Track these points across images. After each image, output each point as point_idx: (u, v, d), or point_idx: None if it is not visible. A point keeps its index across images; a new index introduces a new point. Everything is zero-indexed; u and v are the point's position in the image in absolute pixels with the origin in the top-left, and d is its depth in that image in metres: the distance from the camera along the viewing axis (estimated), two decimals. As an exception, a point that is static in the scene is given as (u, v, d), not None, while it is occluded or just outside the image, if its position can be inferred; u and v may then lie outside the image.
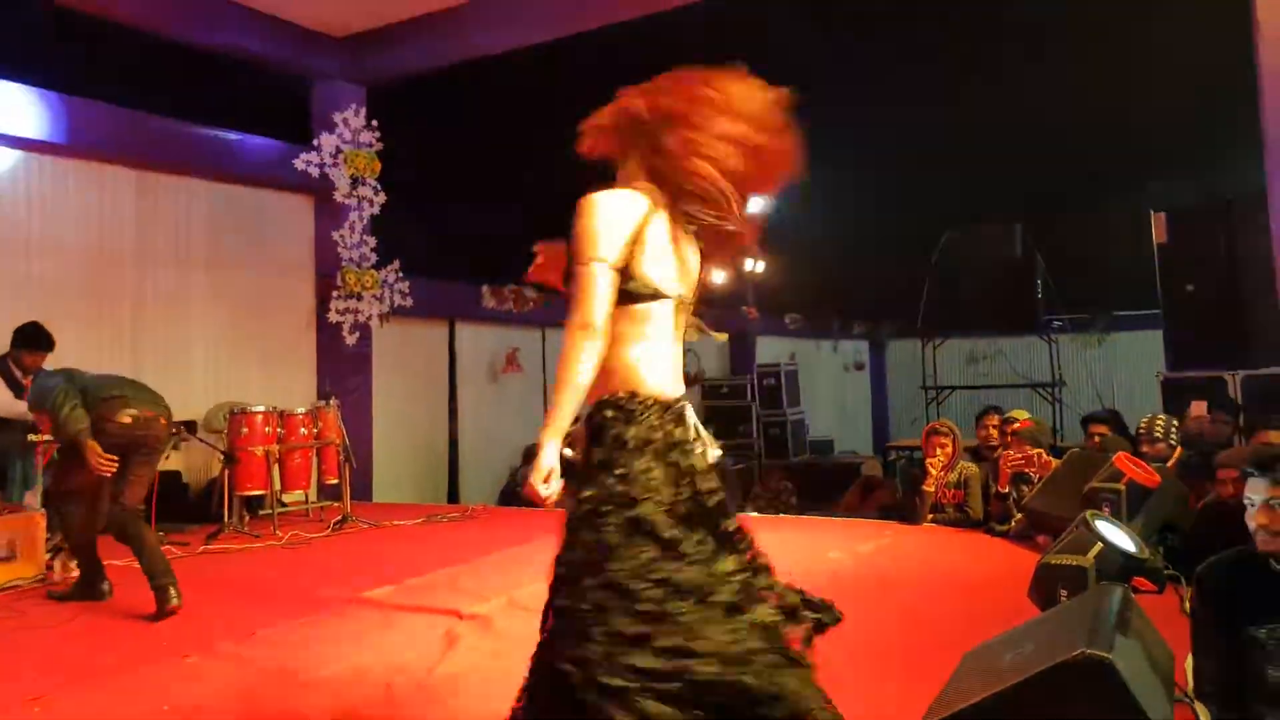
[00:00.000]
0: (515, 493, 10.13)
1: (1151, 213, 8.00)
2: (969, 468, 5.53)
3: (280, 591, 4.43)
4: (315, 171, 7.93)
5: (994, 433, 5.75)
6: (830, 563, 4.72)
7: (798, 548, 4.92)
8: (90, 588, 4.25)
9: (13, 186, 6.27)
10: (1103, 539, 3.21)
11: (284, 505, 6.54)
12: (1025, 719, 1.77)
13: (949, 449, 5.50)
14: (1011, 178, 12.15)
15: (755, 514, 7.37)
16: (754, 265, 15.56)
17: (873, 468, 11.15)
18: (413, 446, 9.51)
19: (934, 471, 5.54)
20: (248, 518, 6.10)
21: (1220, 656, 2.51)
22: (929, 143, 12.58)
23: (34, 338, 4.79)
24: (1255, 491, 2.45)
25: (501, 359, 10.81)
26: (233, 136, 7.69)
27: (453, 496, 9.94)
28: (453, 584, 4.43)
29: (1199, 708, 2.56)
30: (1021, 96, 11.11)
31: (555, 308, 11.40)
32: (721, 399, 13.69)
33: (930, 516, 5.50)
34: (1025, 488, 5.12)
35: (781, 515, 7.58)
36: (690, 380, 14.56)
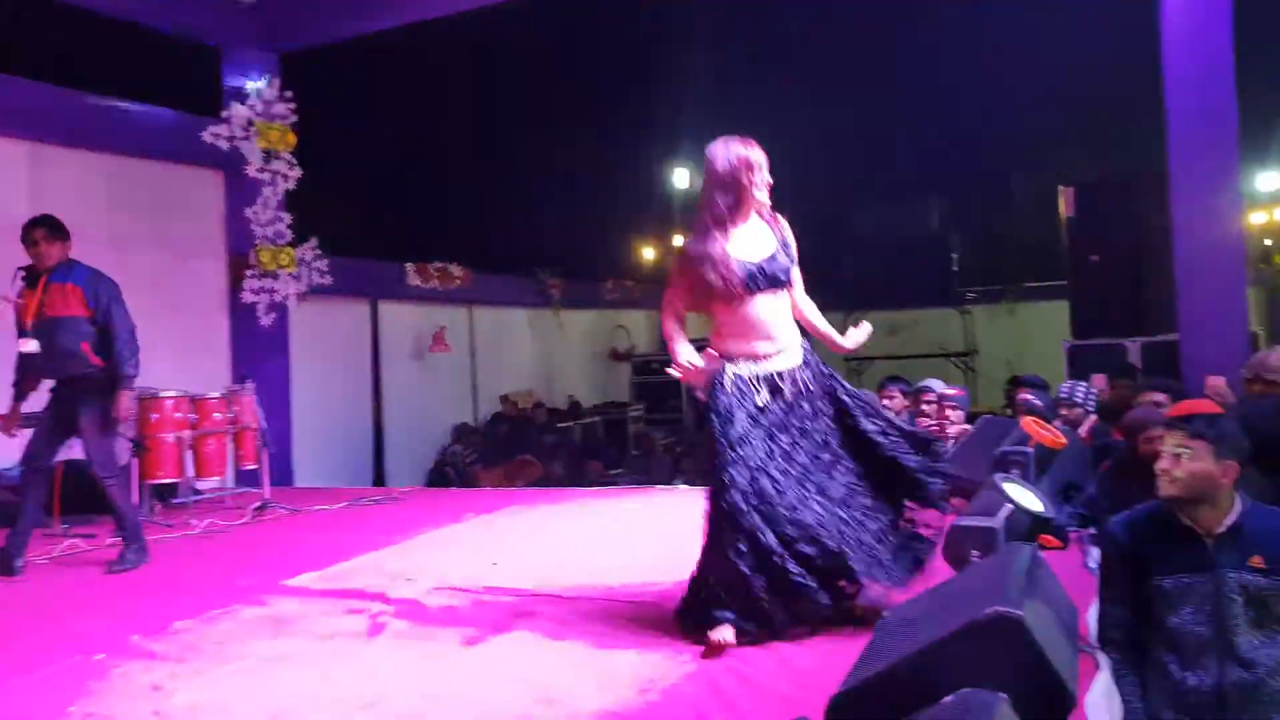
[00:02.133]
0: (444, 473, 10.05)
1: (1060, 187, 8.29)
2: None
3: (196, 583, 4.31)
4: (225, 145, 7.64)
5: (903, 403, 5.91)
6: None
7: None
8: None
9: None
10: (1011, 500, 3.34)
11: (199, 493, 6.35)
12: (940, 679, 1.83)
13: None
14: (926, 152, 12.43)
15: (685, 485, 7.44)
16: (681, 240, 15.63)
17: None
18: (335, 429, 9.34)
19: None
20: (159, 507, 5.90)
21: (1127, 605, 2.67)
22: (844, 117, 12.77)
23: None
24: (1168, 442, 2.63)
25: (428, 337, 10.65)
26: (133, 107, 7.35)
27: (379, 480, 9.79)
28: (378, 568, 4.37)
29: (1100, 656, 2.70)
30: (936, 72, 11.35)
31: (483, 284, 11.28)
32: (651, 375, 13.77)
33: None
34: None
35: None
36: (620, 356, 14.62)
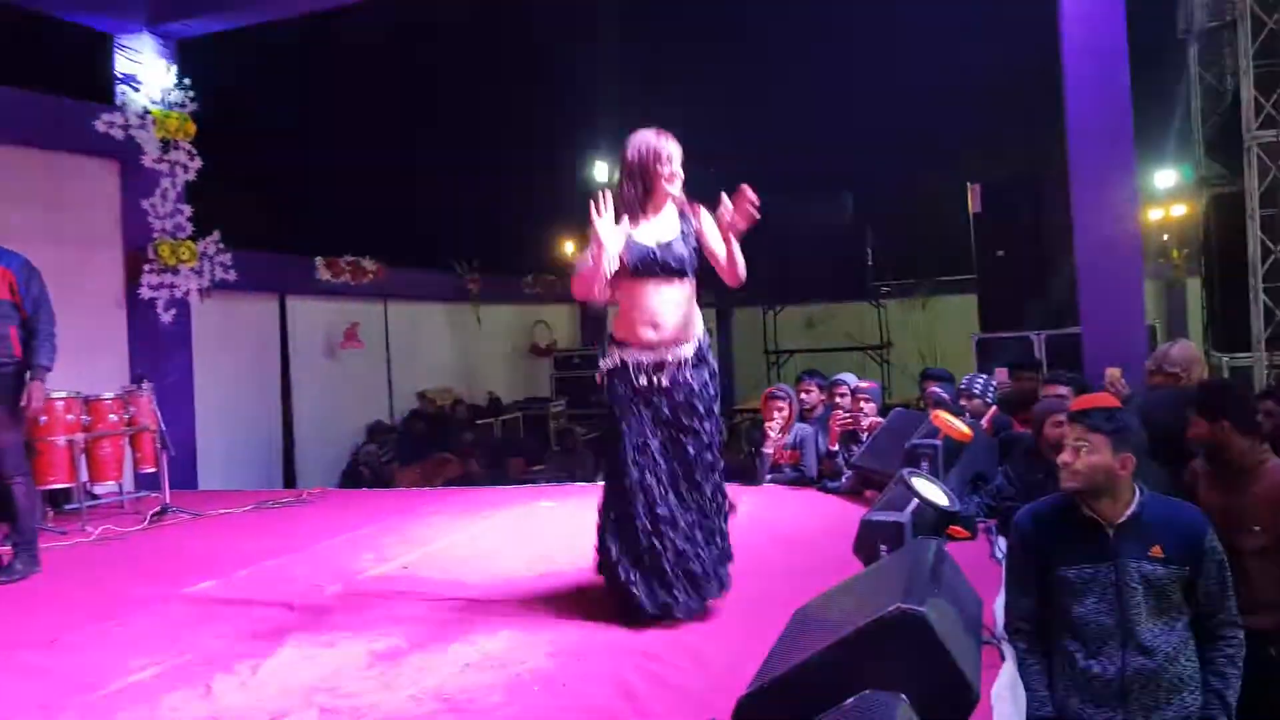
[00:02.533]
0: (359, 473, 9.80)
1: (968, 185, 8.52)
2: (804, 429, 5.74)
3: (89, 592, 4.09)
4: (119, 134, 7.28)
5: (819, 396, 5.99)
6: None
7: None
8: None
9: None
10: (918, 495, 3.40)
11: (95, 498, 6.04)
12: (846, 678, 1.83)
13: (785, 412, 5.68)
14: (840, 150, 12.64)
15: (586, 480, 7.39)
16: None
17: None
18: (242, 430, 9.02)
19: (772, 434, 5.72)
20: (51, 513, 5.59)
21: (1033, 595, 2.74)
22: (761, 114, 12.90)
23: None
24: (1069, 435, 2.71)
25: (339, 333, 10.37)
26: (19, 95, 6.94)
27: (289, 481, 9.50)
28: (284, 574, 4.21)
29: (1005, 648, 2.76)
30: (850, 72, 11.54)
31: (397, 278, 11.03)
32: (573, 369, 13.70)
33: (769, 477, 5.67)
34: (855, 446, 5.36)
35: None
36: (542, 351, 14.44)
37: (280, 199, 9.90)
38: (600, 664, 2.86)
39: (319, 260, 9.82)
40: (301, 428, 9.85)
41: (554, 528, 4.92)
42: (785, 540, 4.31)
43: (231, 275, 8.01)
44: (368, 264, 10.38)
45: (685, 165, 3.36)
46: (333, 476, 10.02)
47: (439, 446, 10.11)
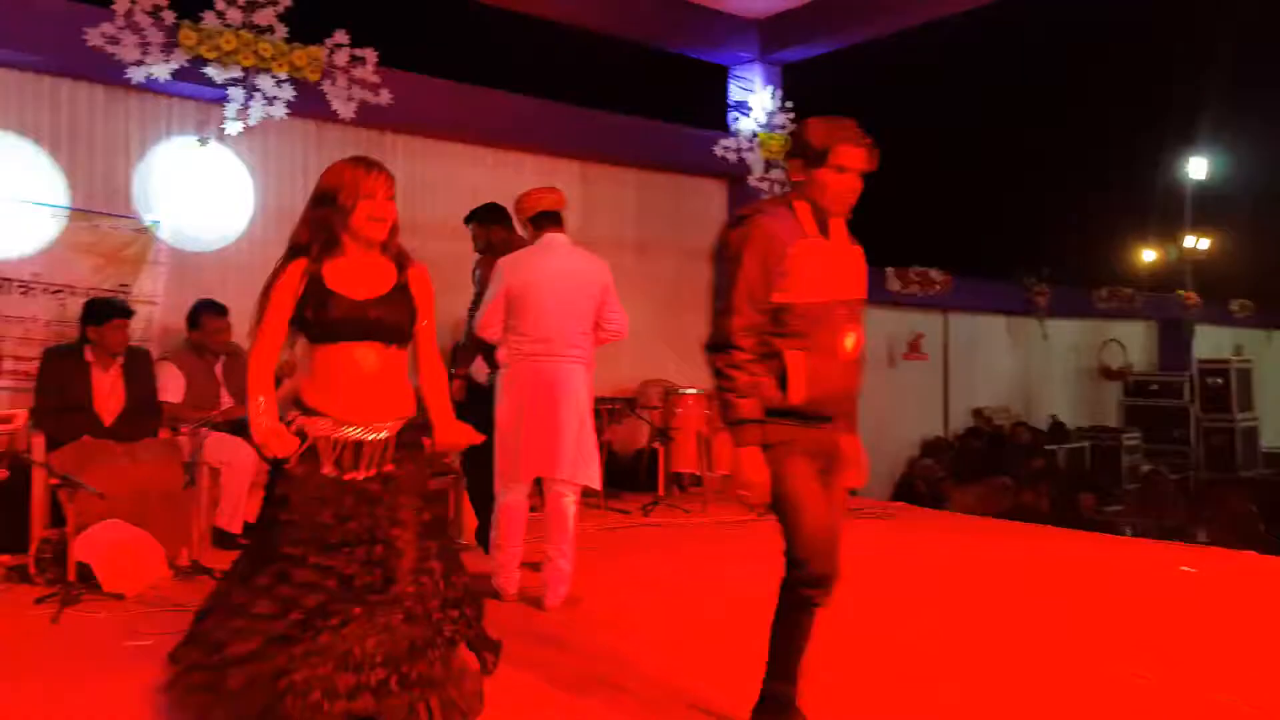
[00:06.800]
0: (914, 486, 9.72)
1: None
2: None
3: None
4: (733, 157, 8.09)
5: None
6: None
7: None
8: None
9: (461, 176, 6.85)
10: None
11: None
12: None
13: None
14: None
15: (1207, 542, 6.19)
16: (1195, 242, 13.56)
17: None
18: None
19: None
20: (677, 493, 6.39)
21: None
22: None
23: None
24: None
25: (899, 343, 10.39)
26: (659, 126, 8.05)
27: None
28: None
29: None
30: None
31: (960, 289, 10.70)
32: (1150, 397, 12.08)
33: None
34: None
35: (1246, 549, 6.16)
36: (1112, 374, 12.99)
37: (856, 210, 10.21)
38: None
39: (890, 270, 9.92)
40: (861, 433, 10.04)
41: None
42: None
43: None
44: (935, 275, 10.23)
45: None
46: (888, 485, 10.09)
47: (996, 469, 9.58)
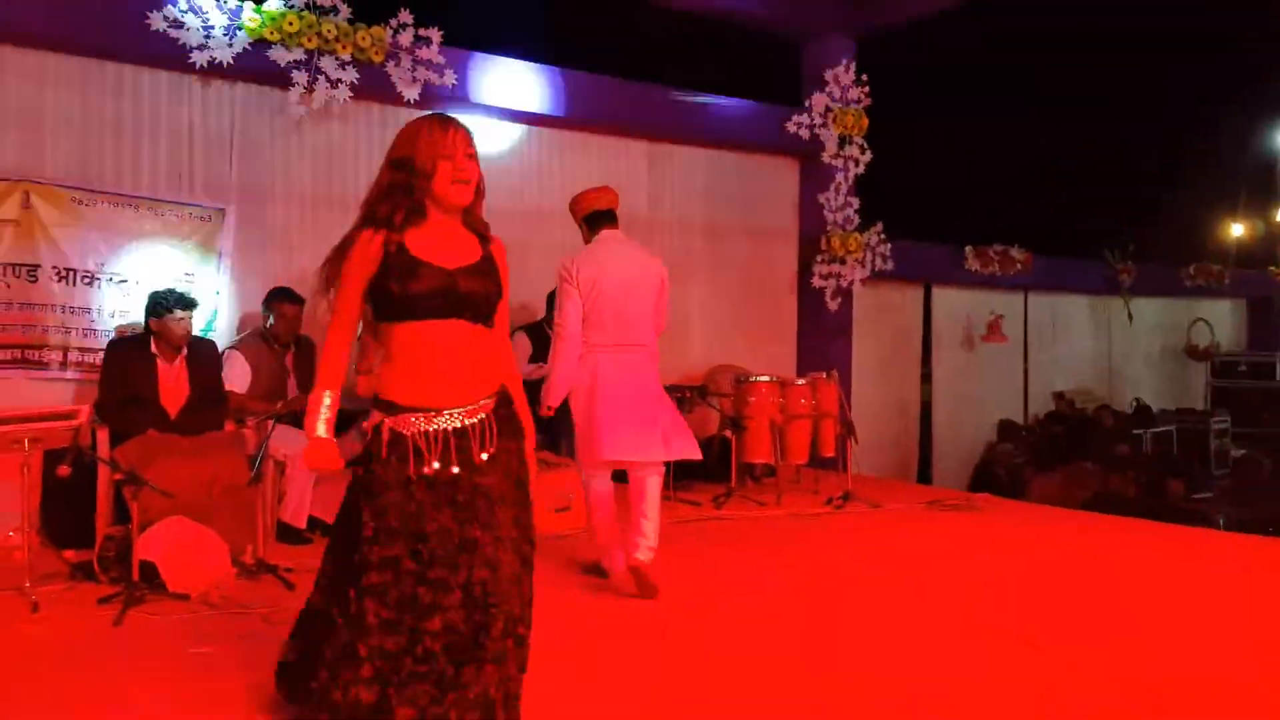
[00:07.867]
0: (992, 472, 9.34)
1: None
2: None
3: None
4: (805, 133, 7.76)
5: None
6: None
7: None
8: None
9: (527, 157, 6.71)
10: None
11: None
12: None
13: None
14: None
15: None
16: (1291, 215, 12.78)
17: None
18: (884, 415, 9.08)
19: None
20: (750, 484, 6.16)
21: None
22: None
23: None
24: None
25: (978, 324, 9.97)
26: (727, 102, 7.74)
27: (923, 470, 9.43)
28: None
29: None
30: None
31: (1040, 267, 10.21)
32: (1238, 378, 11.48)
33: None
34: None
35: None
36: (1199, 354, 12.37)
37: (934, 188, 9.80)
38: None
39: (969, 249, 9.49)
40: (938, 418, 9.70)
41: None
42: None
43: (889, 265, 8.11)
44: (1016, 253, 9.77)
45: None
46: (965, 471, 9.73)
47: (1079, 454, 9.16)
